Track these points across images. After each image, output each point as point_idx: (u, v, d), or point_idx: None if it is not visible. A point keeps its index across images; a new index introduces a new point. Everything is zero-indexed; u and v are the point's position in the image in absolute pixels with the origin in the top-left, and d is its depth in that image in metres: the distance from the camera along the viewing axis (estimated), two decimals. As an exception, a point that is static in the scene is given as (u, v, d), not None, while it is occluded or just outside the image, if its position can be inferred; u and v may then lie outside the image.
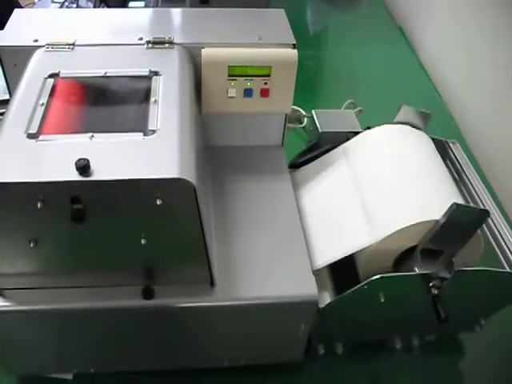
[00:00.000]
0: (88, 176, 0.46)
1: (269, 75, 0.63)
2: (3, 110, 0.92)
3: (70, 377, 0.63)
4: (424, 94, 1.12)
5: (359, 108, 0.92)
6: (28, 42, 0.62)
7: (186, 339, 0.59)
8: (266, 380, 0.65)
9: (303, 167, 0.74)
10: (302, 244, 0.61)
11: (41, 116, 0.52)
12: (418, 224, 0.57)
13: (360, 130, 0.74)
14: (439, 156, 0.68)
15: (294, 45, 0.64)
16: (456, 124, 1.05)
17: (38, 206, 0.46)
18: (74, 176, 0.45)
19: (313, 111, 0.77)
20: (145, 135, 0.50)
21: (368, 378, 0.67)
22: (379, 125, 0.71)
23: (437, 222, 0.56)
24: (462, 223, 0.56)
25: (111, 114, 0.54)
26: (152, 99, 0.54)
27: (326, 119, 0.77)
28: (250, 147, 0.71)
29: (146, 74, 0.58)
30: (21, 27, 0.65)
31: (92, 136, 0.50)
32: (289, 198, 0.66)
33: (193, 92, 0.59)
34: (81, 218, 0.48)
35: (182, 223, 0.50)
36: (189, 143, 0.51)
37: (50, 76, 0.57)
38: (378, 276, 0.57)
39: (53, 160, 0.47)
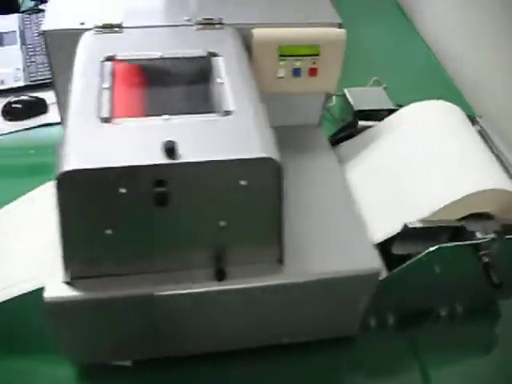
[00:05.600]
0: (176, 158, 0.45)
1: (317, 54, 0.64)
2: (17, 99, 0.91)
3: (128, 363, 0.63)
4: (428, 69, 1.15)
5: (384, 85, 0.93)
6: (75, 25, 0.60)
7: (253, 318, 0.60)
8: (319, 355, 0.66)
9: (343, 144, 0.74)
10: (359, 218, 0.62)
11: (109, 100, 0.51)
12: (474, 194, 0.59)
13: (393, 107, 0.76)
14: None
15: (339, 24, 0.64)
16: (464, 99, 1.08)
17: (122, 191, 0.46)
18: (162, 159, 0.45)
19: (345, 90, 0.78)
20: (221, 116, 0.50)
21: (415, 347, 0.69)
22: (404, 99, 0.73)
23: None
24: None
25: (179, 95, 0.53)
26: (217, 80, 0.54)
27: (358, 97, 0.78)
28: (290, 127, 0.72)
29: (204, 55, 0.57)
30: (62, 10, 0.63)
31: (168, 118, 0.49)
32: (337, 173, 0.67)
33: (252, 72, 0.58)
34: (164, 201, 0.47)
35: (263, 203, 0.50)
36: (265, 123, 0.51)
37: (107, 59, 0.56)
38: (435, 247, 0.59)
39: (134, 144, 0.47)
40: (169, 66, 0.56)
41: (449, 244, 0.60)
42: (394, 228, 0.62)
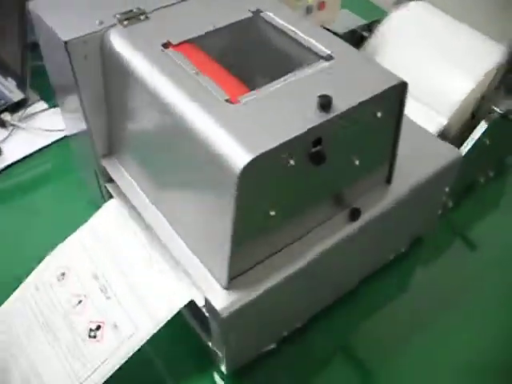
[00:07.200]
0: (332, 112, 0.44)
1: (324, -12, 0.65)
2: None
3: (274, 345, 0.61)
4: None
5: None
6: (94, 27, 0.53)
7: (374, 246, 0.61)
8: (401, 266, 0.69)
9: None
10: (413, 123, 0.65)
11: (212, 83, 0.47)
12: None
13: (366, 22, 0.80)
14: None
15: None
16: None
17: (291, 163, 0.44)
18: (321, 116, 0.44)
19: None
20: (327, 61, 0.49)
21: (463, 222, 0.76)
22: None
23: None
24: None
25: (269, 57, 0.51)
26: (289, 33, 0.53)
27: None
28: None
29: (251, 15, 0.55)
30: (66, 16, 0.54)
31: (286, 79, 0.47)
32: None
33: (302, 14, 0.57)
34: (323, 158, 0.46)
35: (390, 128, 0.52)
36: (364, 54, 0.51)
37: (164, 47, 0.51)
38: (488, 123, 0.66)
39: (281, 113, 0.45)
40: (231, 35, 0.53)
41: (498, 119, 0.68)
42: (440, 120, 0.67)
